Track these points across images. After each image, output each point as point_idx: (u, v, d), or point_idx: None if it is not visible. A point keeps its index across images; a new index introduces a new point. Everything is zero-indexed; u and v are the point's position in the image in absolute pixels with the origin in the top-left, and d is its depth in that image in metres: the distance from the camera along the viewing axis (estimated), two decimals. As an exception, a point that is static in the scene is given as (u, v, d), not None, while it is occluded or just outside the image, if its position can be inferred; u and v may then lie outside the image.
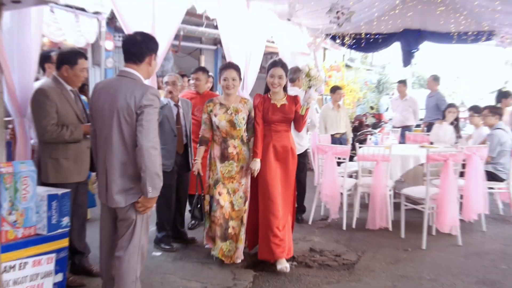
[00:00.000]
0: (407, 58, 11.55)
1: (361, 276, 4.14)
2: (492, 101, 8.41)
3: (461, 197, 5.25)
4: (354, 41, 11.11)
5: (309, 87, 4.36)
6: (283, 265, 4.13)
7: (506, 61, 29.31)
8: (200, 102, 5.30)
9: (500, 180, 5.71)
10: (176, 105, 4.76)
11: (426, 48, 12.92)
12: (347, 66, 17.86)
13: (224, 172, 4.23)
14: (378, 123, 11.07)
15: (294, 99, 4.43)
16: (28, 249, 3.10)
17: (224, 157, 4.24)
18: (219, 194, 4.21)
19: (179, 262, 4.41)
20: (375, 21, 9.97)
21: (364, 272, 4.23)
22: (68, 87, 3.76)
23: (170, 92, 4.74)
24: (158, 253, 4.61)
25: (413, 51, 11.32)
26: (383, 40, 11.18)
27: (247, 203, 4.30)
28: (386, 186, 5.41)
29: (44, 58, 4.15)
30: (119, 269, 3.06)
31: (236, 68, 4.34)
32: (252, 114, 4.36)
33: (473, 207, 5.21)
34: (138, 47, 3.12)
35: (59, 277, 3.32)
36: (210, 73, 7.31)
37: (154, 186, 2.91)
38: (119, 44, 8.30)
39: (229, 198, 4.23)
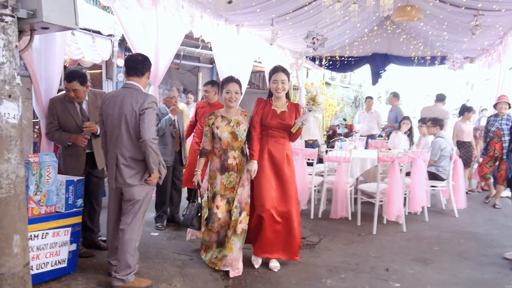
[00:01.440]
0: (375, 78, 12.03)
1: (320, 253, 4.49)
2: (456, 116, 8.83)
3: (409, 193, 5.64)
4: (330, 62, 11.57)
5: (310, 110, 3.95)
6: (274, 264, 4.01)
7: (467, 82, 29.97)
8: (209, 111, 5.32)
9: (441, 179, 6.09)
10: None
11: (398, 69, 13.36)
12: (327, 83, 18.30)
13: (225, 183, 3.93)
14: (349, 133, 11.43)
15: (296, 108, 4.05)
16: (49, 222, 3.46)
17: (224, 169, 3.94)
18: (217, 207, 3.92)
19: (172, 241, 4.76)
20: (347, 46, 10.39)
21: (323, 250, 4.59)
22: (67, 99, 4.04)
23: (173, 110, 5.06)
24: (156, 234, 4.96)
25: (380, 72, 11.79)
26: (355, 62, 11.63)
27: (243, 213, 3.89)
28: (347, 183, 5.76)
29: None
30: (122, 239, 3.41)
31: (238, 82, 4.07)
32: None
33: (417, 201, 5.58)
34: (141, 65, 3.55)
35: (73, 247, 3.67)
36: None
37: (155, 164, 3.37)
38: (129, 61, 8.67)
39: (228, 207, 3.92)
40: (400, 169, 5.27)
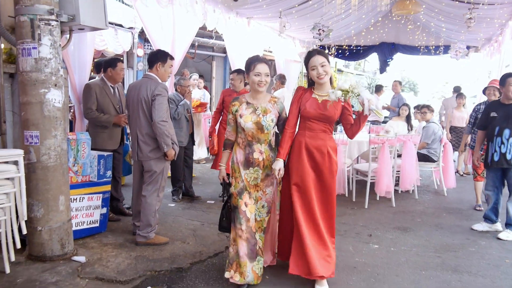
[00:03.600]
0: (383, 66, 12.57)
1: (314, 222, 5.18)
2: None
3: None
4: (339, 51, 12.13)
5: (357, 97, 3.22)
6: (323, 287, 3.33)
7: (490, 72, 29.89)
8: None
9: (432, 161, 6.68)
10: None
11: (413, 56, 13.81)
12: (339, 70, 18.83)
13: (249, 179, 3.39)
14: (357, 118, 12.05)
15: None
16: (84, 189, 4.22)
17: (249, 163, 3.38)
18: (246, 205, 3.37)
19: (187, 210, 5.50)
20: (354, 36, 10.92)
21: (317, 220, 5.26)
22: (109, 84, 4.83)
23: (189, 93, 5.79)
24: (172, 205, 5.71)
25: (388, 60, 12.30)
26: (363, 51, 12.19)
27: (269, 213, 3.49)
28: (344, 163, 6.40)
29: (99, 65, 5.22)
30: (144, 204, 4.14)
31: (268, 63, 3.46)
32: (284, 114, 3.49)
33: (408, 180, 6.21)
34: (152, 59, 4.25)
35: (104, 210, 4.43)
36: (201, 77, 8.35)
37: (166, 144, 4.02)
38: (148, 51, 9.43)
39: (255, 209, 3.41)
40: (390, 151, 5.89)
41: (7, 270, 3.36)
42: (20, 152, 3.32)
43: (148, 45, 9.17)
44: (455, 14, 7.58)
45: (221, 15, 7.42)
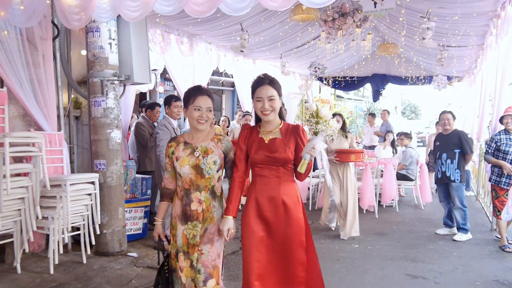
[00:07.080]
0: (376, 95, 14.04)
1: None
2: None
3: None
4: (336, 82, 13.60)
5: (316, 133, 2.78)
6: None
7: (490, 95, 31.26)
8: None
9: (410, 180, 8.02)
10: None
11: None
12: (339, 97, 20.35)
13: (188, 236, 2.81)
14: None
15: (295, 131, 2.82)
16: (131, 203, 5.59)
17: (187, 217, 2.81)
18: (181, 269, 2.84)
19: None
20: (347, 70, 12.40)
21: (313, 228, 6.57)
22: (150, 121, 6.29)
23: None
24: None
25: (380, 90, 13.76)
26: (358, 82, 13.66)
27: (211, 282, 2.79)
28: (336, 183, 7.72)
29: (142, 105, 6.69)
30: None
31: (211, 96, 2.92)
32: (232, 155, 2.92)
33: (387, 195, 7.54)
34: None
35: (145, 220, 5.79)
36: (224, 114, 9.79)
37: (163, 170, 5.20)
38: (167, 88, 10.96)
39: (193, 273, 2.81)
40: (373, 171, 7.25)
41: (84, 261, 4.73)
42: (96, 175, 4.72)
43: (168, 83, 10.71)
44: (429, 54, 9.03)
45: (231, 59, 8.94)
